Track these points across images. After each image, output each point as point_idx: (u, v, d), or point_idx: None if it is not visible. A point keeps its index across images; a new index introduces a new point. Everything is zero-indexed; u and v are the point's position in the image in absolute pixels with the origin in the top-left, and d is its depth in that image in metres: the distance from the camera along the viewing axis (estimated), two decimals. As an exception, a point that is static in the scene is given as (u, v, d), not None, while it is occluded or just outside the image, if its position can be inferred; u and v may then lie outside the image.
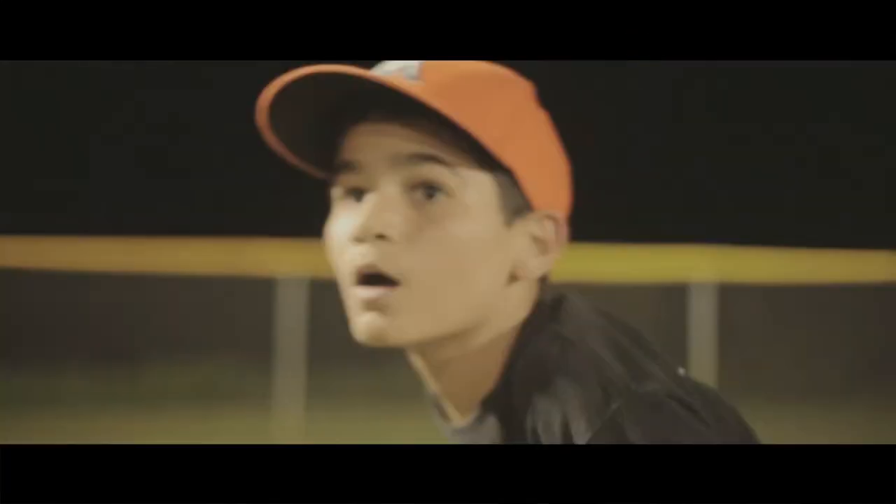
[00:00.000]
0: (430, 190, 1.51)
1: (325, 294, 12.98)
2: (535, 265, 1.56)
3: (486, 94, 1.53)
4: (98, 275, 12.66)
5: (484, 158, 1.51)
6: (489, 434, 1.53)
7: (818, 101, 27.28)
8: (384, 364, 16.38)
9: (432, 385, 1.58)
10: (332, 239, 1.57)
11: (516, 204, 1.54)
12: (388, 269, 1.50)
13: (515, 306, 1.56)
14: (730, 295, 11.99)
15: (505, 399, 1.52)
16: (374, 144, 1.51)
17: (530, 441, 1.48)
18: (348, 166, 1.54)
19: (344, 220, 1.55)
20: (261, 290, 12.44)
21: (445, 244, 1.51)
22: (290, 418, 12.34)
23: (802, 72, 26.87)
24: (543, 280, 1.60)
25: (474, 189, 1.52)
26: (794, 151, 27.47)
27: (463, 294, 1.52)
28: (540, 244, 1.57)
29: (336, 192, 1.57)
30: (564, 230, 1.58)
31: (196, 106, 26.70)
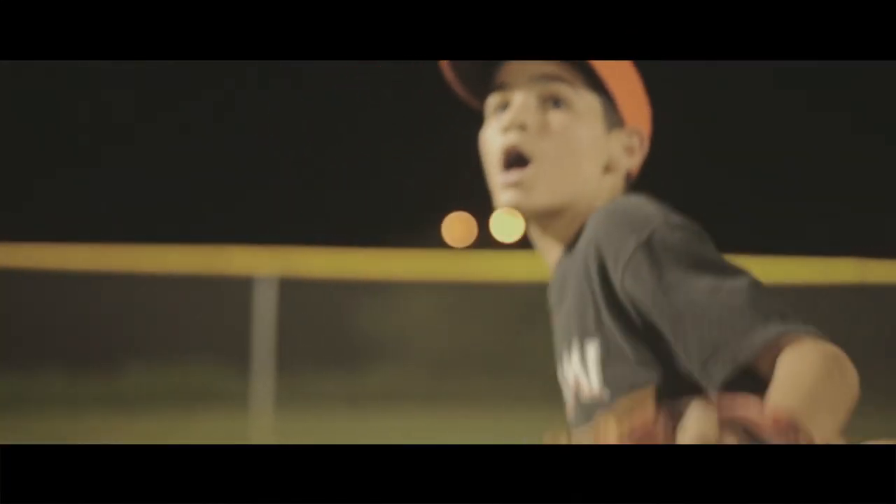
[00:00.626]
0: (556, 101, 2.14)
1: (297, 296, 13.00)
2: (624, 163, 2.21)
3: None
4: (76, 275, 12.65)
5: (594, 84, 2.15)
6: (571, 265, 2.09)
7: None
8: (359, 367, 16.39)
9: (538, 240, 2.20)
10: (485, 136, 2.19)
11: (613, 119, 2.18)
12: (525, 149, 2.12)
13: (608, 192, 2.18)
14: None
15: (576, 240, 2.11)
16: (518, 71, 2.15)
17: (591, 265, 2.00)
18: (501, 86, 2.17)
19: (495, 123, 2.18)
20: (237, 292, 12.46)
21: (564, 138, 2.13)
22: (266, 419, 12.37)
23: (771, 72, 26.93)
24: (628, 177, 2.24)
25: (586, 104, 2.15)
26: (765, 157, 27.53)
27: (573, 175, 2.14)
28: (628, 150, 2.21)
29: (489, 107, 2.20)
30: (646, 141, 2.22)
31: (174, 113, 26.62)
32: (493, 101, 2.20)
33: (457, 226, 28.85)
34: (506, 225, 31.31)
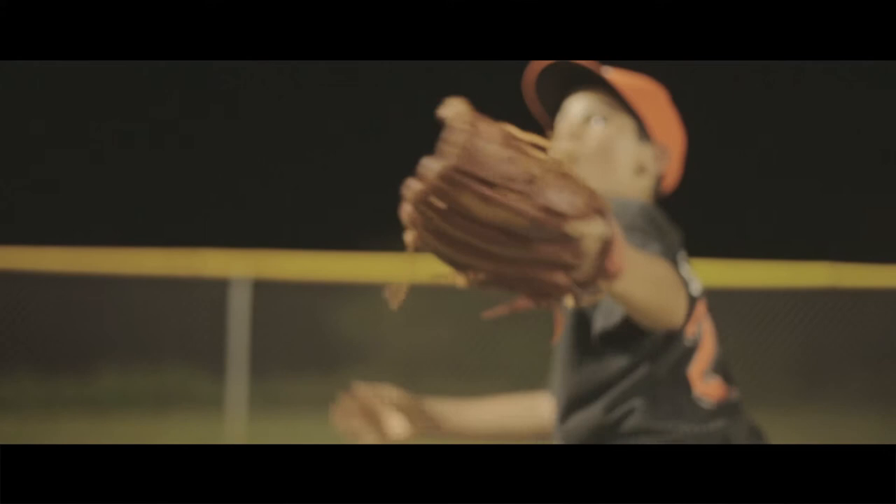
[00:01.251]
0: (598, 118, 2.94)
1: (272, 299, 12.98)
2: (652, 168, 2.97)
3: (634, 78, 2.97)
4: (48, 277, 12.59)
5: (629, 109, 2.91)
6: None
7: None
8: (333, 370, 16.36)
9: None
10: (554, 142, 2.94)
11: (643, 134, 2.93)
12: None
13: (639, 191, 2.92)
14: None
15: None
16: (574, 97, 2.98)
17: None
18: (561, 108, 3.00)
19: (558, 134, 2.95)
20: (212, 295, 12.43)
21: (605, 144, 2.90)
22: (240, 422, 12.34)
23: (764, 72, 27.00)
24: (659, 182, 3.00)
25: (622, 121, 2.94)
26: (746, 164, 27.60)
27: (611, 172, 2.89)
28: (656, 158, 2.96)
29: (556, 121, 3.01)
30: (669, 154, 2.96)
31: (143, 120, 26.53)
32: (557, 116, 3.02)
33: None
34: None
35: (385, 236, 22.37)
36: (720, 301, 12.06)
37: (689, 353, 2.69)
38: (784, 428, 15.47)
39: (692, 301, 2.64)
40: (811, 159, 26.82)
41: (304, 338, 14.03)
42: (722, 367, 2.81)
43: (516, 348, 20.32)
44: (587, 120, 2.94)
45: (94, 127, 25.46)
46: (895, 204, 24.19)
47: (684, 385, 2.58)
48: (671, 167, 2.95)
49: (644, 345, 2.57)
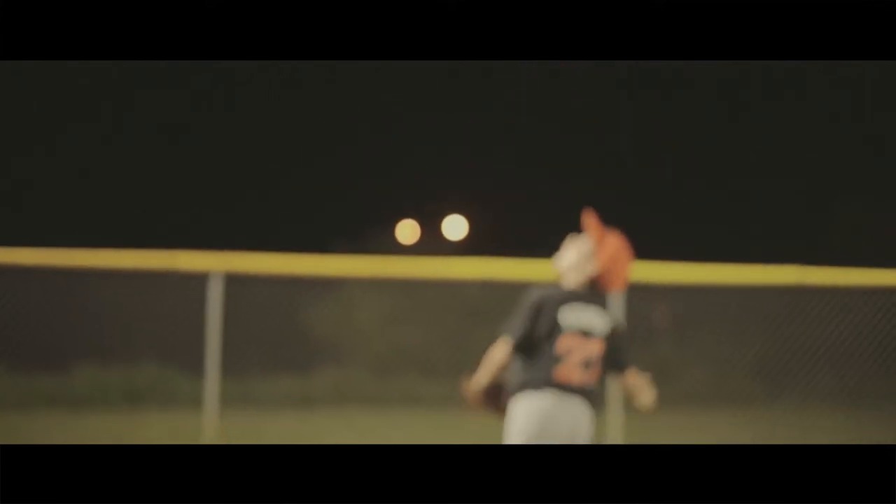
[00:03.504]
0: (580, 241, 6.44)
1: (246, 298, 12.96)
2: (587, 270, 6.18)
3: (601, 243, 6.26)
4: (23, 271, 12.51)
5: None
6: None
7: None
8: (307, 368, 16.34)
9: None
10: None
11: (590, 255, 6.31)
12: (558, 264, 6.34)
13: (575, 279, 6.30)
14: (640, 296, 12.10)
15: None
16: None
17: None
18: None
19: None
20: (188, 293, 12.39)
21: (571, 253, 6.31)
22: (214, 419, 12.30)
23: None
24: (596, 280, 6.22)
25: (579, 249, 6.30)
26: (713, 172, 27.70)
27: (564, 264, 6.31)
28: (588, 265, 6.26)
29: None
30: (602, 266, 6.14)
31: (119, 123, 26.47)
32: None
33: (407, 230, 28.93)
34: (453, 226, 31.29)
35: (359, 240, 22.33)
36: (694, 298, 12.10)
37: (557, 358, 5.86)
38: (750, 424, 15.55)
39: (559, 330, 5.93)
40: (791, 163, 26.90)
41: (278, 336, 13.99)
42: (595, 363, 5.81)
43: (486, 346, 20.28)
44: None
45: (71, 129, 25.37)
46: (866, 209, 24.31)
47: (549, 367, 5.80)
48: (603, 275, 6.16)
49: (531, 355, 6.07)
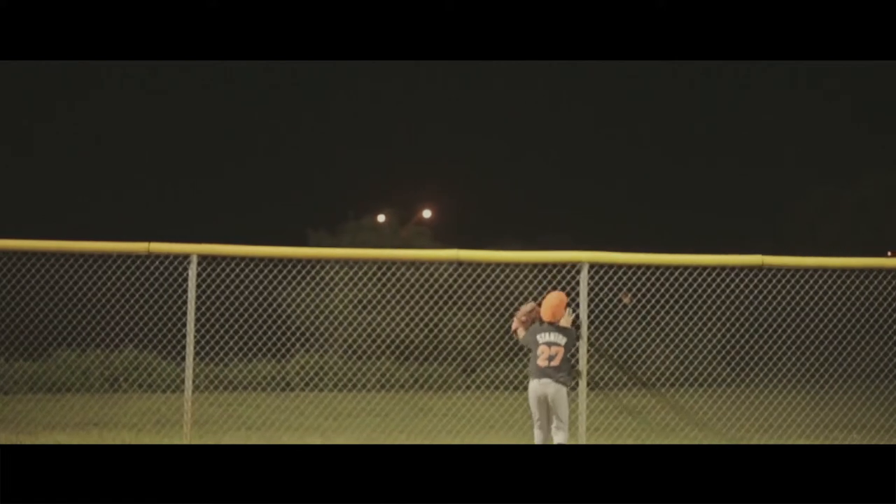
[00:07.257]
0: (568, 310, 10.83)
1: (223, 283, 12.96)
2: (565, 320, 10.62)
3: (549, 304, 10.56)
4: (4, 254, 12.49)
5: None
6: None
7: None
8: (283, 353, 16.37)
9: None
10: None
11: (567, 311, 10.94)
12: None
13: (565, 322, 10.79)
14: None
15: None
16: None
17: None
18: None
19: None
20: (167, 278, 12.38)
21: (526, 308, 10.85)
22: (191, 403, 12.34)
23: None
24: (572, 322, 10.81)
25: (533, 310, 10.71)
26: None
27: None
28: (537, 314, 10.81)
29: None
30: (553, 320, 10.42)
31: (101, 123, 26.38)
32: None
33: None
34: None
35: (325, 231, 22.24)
36: (669, 276, 12.20)
37: (537, 356, 10.11)
38: (715, 402, 15.64)
39: (537, 343, 10.27)
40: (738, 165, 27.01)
41: (254, 322, 14.00)
42: (557, 358, 10.15)
43: (456, 329, 20.41)
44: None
45: (40, 128, 25.29)
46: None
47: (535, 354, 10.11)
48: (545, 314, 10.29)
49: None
